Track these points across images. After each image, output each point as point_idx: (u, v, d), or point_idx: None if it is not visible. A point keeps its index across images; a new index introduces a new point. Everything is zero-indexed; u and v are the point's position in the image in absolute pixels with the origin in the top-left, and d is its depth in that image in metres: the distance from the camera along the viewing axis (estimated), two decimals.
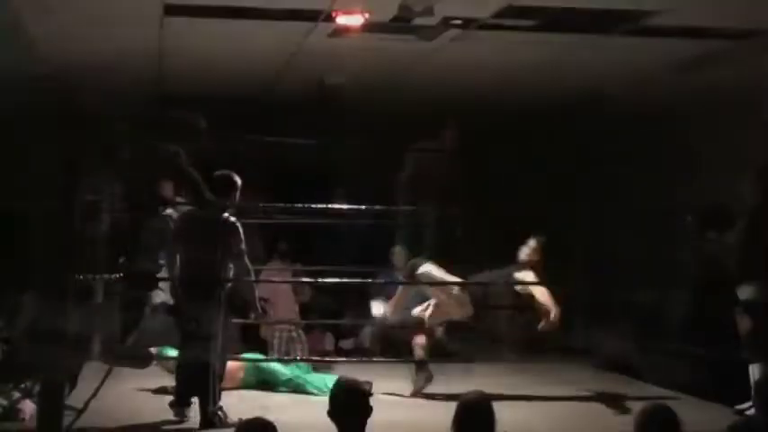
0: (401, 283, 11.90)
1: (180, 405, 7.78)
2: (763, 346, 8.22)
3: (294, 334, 11.84)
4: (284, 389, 9.44)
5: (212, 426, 7.51)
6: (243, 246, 7.81)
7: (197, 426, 7.54)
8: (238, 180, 8.01)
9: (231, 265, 7.87)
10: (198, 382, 7.76)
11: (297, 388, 9.44)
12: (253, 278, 7.95)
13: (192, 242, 7.89)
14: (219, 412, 7.60)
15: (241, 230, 7.80)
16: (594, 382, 9.25)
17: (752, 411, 8.19)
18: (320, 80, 11.65)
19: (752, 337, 8.31)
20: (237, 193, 7.99)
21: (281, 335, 11.80)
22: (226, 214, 7.83)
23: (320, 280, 10.60)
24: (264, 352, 11.25)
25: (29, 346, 10.87)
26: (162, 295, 10.66)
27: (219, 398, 7.70)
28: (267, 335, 11.97)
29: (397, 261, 11.99)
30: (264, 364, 9.66)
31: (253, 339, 11.77)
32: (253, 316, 8.03)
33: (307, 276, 11.39)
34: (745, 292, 8.36)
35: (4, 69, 11.12)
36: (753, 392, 8.27)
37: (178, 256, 8.00)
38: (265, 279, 11.62)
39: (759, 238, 8.30)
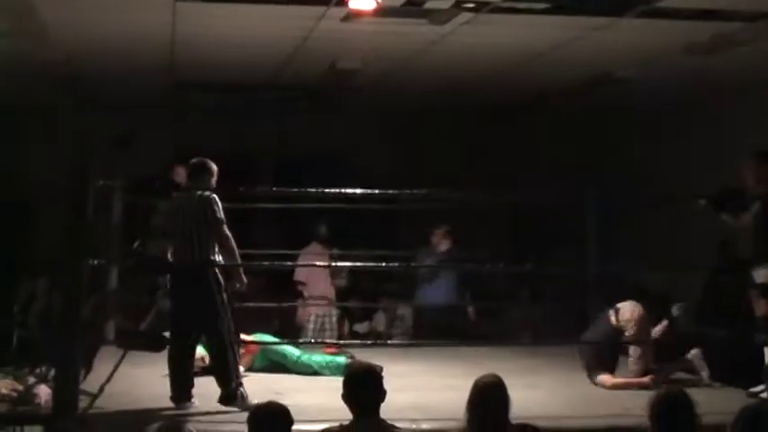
0: (442, 267, 11.95)
1: (182, 400, 7.70)
2: None
3: (326, 320, 11.89)
4: (294, 370, 9.47)
5: (234, 402, 7.52)
6: (219, 215, 7.74)
7: (213, 409, 7.53)
8: (213, 166, 8.03)
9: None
10: (211, 368, 7.81)
11: (304, 369, 9.48)
12: (235, 249, 7.89)
13: (177, 227, 7.88)
14: (241, 389, 7.61)
15: (218, 203, 7.77)
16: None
17: (766, 394, 8.18)
18: (332, 65, 11.64)
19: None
20: (213, 179, 8.00)
21: (316, 320, 11.85)
22: (200, 192, 7.83)
23: (351, 264, 10.70)
24: (298, 337, 11.31)
25: (44, 331, 10.94)
26: None
27: (238, 376, 7.73)
28: (302, 320, 12.00)
29: (437, 242, 12.01)
30: (275, 347, 9.69)
31: (289, 325, 11.84)
32: (238, 286, 7.97)
33: (345, 261, 11.40)
34: (760, 275, 8.33)
35: (17, 55, 11.14)
36: (765, 375, 8.26)
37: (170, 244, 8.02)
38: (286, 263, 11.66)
39: None
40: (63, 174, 7.18)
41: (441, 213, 11.88)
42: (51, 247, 8.36)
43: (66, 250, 7.08)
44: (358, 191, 8.82)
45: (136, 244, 9.70)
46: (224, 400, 7.57)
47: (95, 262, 7.46)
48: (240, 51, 11.16)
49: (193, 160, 8.07)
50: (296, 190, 8.61)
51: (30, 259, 13.29)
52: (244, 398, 7.56)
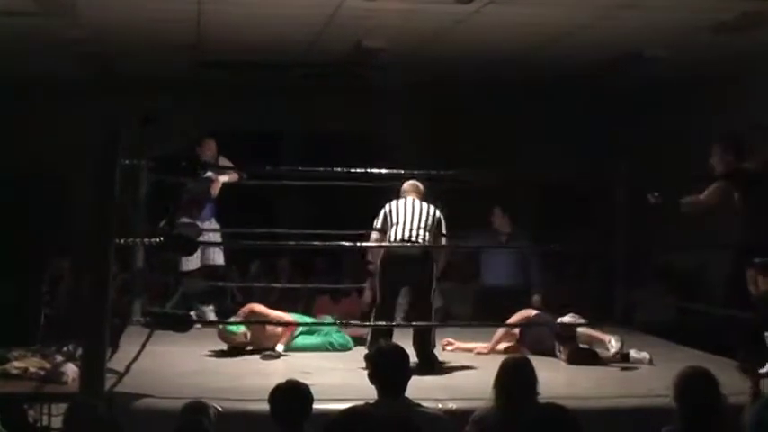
0: (504, 247, 11.97)
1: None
2: None
3: None
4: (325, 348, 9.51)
5: (433, 367, 8.22)
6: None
7: (240, 386, 7.54)
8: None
9: None
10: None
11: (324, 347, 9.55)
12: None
13: (410, 217, 8.60)
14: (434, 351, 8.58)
15: None
16: (634, 344, 9.20)
17: None
18: (358, 43, 11.61)
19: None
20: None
21: None
22: (435, 207, 8.79)
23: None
24: None
25: (71, 309, 10.99)
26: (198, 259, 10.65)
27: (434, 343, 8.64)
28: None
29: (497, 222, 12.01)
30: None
31: None
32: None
33: None
34: None
35: (44, 33, 11.17)
36: None
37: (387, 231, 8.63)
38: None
39: None
40: (91, 153, 7.20)
41: (464, 193, 11.87)
42: (79, 225, 8.40)
43: (94, 229, 7.10)
44: (384, 171, 8.81)
45: (162, 223, 9.71)
46: (424, 368, 8.07)
47: (122, 241, 7.47)
48: (266, 29, 11.15)
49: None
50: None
51: (58, 237, 13.34)
52: (437, 358, 8.57)
